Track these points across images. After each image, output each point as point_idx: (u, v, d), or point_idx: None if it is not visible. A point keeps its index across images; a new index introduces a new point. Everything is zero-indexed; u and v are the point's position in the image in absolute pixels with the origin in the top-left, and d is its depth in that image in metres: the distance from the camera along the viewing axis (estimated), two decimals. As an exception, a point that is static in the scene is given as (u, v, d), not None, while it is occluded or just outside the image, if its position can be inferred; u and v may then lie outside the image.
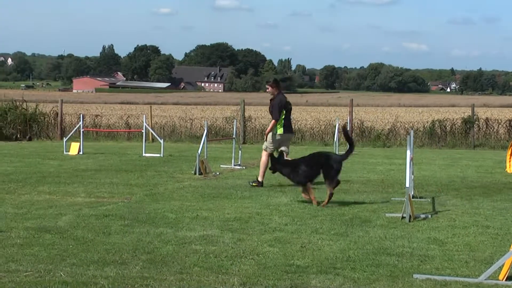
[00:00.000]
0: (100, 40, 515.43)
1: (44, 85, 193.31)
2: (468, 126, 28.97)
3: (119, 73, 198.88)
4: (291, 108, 14.36)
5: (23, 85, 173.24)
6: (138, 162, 19.10)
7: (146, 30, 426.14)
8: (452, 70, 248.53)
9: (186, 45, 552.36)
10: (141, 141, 22.92)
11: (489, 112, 46.00)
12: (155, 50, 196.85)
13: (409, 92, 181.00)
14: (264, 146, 14.21)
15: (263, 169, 13.95)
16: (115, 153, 22.41)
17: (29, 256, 7.58)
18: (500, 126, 29.43)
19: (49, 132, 30.70)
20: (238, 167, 17.74)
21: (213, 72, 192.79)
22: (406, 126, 30.23)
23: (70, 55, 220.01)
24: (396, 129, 30.07)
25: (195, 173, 16.03)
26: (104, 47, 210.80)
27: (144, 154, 21.44)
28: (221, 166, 18.17)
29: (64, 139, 22.79)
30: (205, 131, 17.59)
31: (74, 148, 21.80)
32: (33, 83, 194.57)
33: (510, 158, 17.71)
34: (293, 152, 24.28)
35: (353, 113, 29.84)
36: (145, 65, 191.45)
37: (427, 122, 30.08)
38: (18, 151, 22.70)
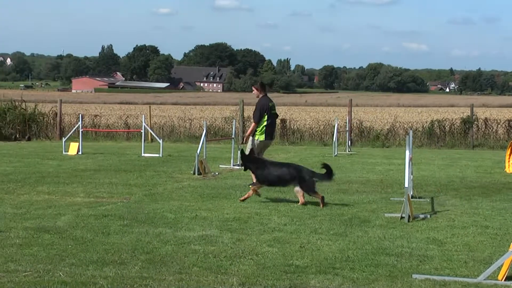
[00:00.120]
0: (99, 40, 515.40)
1: (43, 85, 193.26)
2: (467, 126, 28.98)
3: (118, 73, 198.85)
4: (276, 114, 13.96)
5: (22, 85, 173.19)
6: (137, 162, 19.09)
7: (145, 30, 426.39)
8: (451, 70, 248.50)
9: (185, 45, 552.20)
10: (140, 141, 22.93)
11: (488, 112, 46.09)
12: (154, 50, 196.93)
13: (408, 92, 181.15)
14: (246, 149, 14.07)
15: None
16: (114, 153, 22.40)
17: (28, 256, 7.58)
18: (499, 126, 29.45)
19: (48, 132, 30.70)
20: (237, 167, 17.72)
21: (212, 72, 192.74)
22: (405, 126, 30.25)
23: (69, 55, 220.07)
24: (395, 129, 30.09)
25: (194, 173, 16.03)
26: (103, 47, 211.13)
27: (143, 154, 21.43)
28: (220, 166, 18.17)
29: (63, 139, 22.79)
30: (204, 131, 17.59)
31: (73, 148, 21.79)
32: (32, 83, 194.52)
33: (509, 158, 17.72)
34: (292, 153, 24.31)
35: (352, 113, 29.87)
36: (144, 65, 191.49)
37: (426, 122, 30.09)
38: (17, 151, 22.68)
